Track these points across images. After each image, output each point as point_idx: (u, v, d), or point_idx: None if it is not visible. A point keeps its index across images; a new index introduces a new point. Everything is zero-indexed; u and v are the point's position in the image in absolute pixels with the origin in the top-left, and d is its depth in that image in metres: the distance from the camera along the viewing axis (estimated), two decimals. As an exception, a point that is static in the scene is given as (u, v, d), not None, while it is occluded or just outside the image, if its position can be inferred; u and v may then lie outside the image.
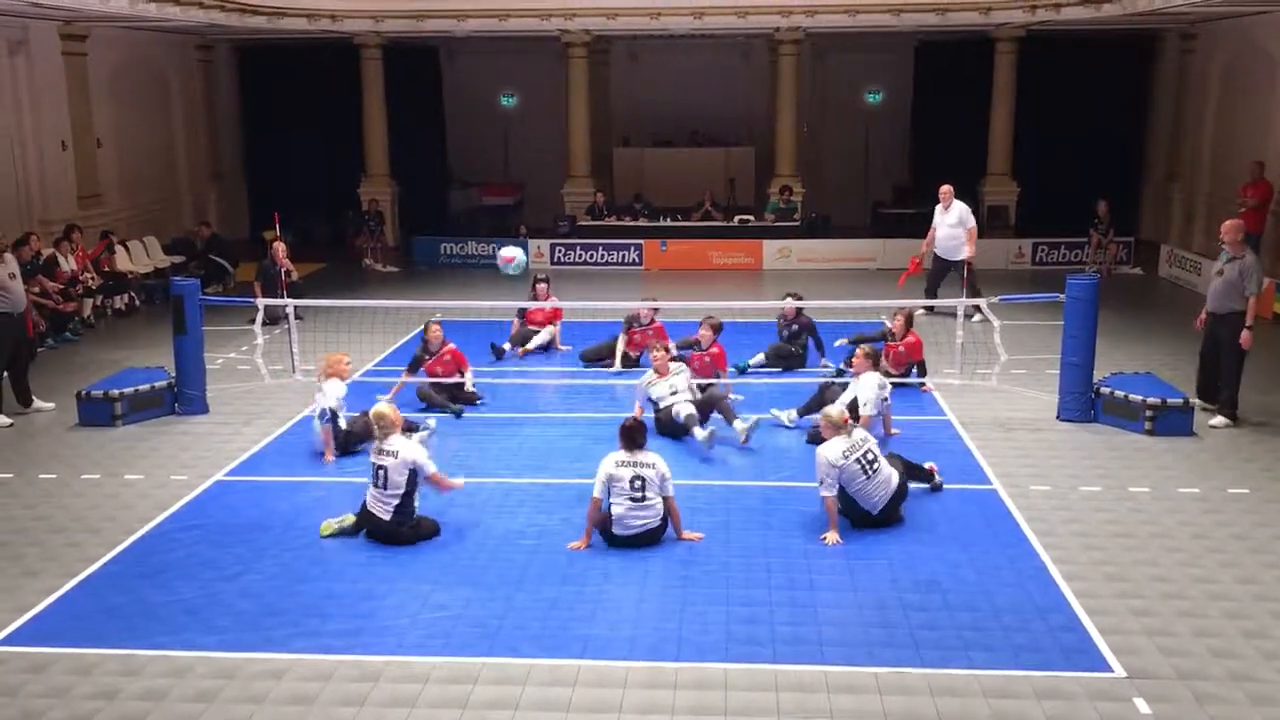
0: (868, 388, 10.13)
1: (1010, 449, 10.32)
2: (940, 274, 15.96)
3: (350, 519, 8.39)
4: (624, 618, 7.06)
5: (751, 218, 21.83)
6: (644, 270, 20.81)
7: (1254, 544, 8.12)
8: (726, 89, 25.48)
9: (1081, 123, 23.13)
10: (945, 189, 16.00)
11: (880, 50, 24.43)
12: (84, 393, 11.32)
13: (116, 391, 11.25)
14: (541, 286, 14.44)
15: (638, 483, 7.97)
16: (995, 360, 12.16)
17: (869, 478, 8.27)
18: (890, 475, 8.44)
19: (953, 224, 15.73)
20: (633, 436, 8.16)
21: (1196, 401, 10.92)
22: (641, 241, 21.09)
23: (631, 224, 21.71)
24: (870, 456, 8.34)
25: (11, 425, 11.27)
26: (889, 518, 8.42)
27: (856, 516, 8.39)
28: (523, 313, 14.41)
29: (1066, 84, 23.01)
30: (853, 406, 9.87)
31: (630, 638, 6.80)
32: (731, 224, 21.54)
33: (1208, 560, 7.86)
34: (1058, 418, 11.11)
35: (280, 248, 16.49)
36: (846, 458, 8.22)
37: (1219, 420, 10.82)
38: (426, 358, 11.75)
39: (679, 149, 24.64)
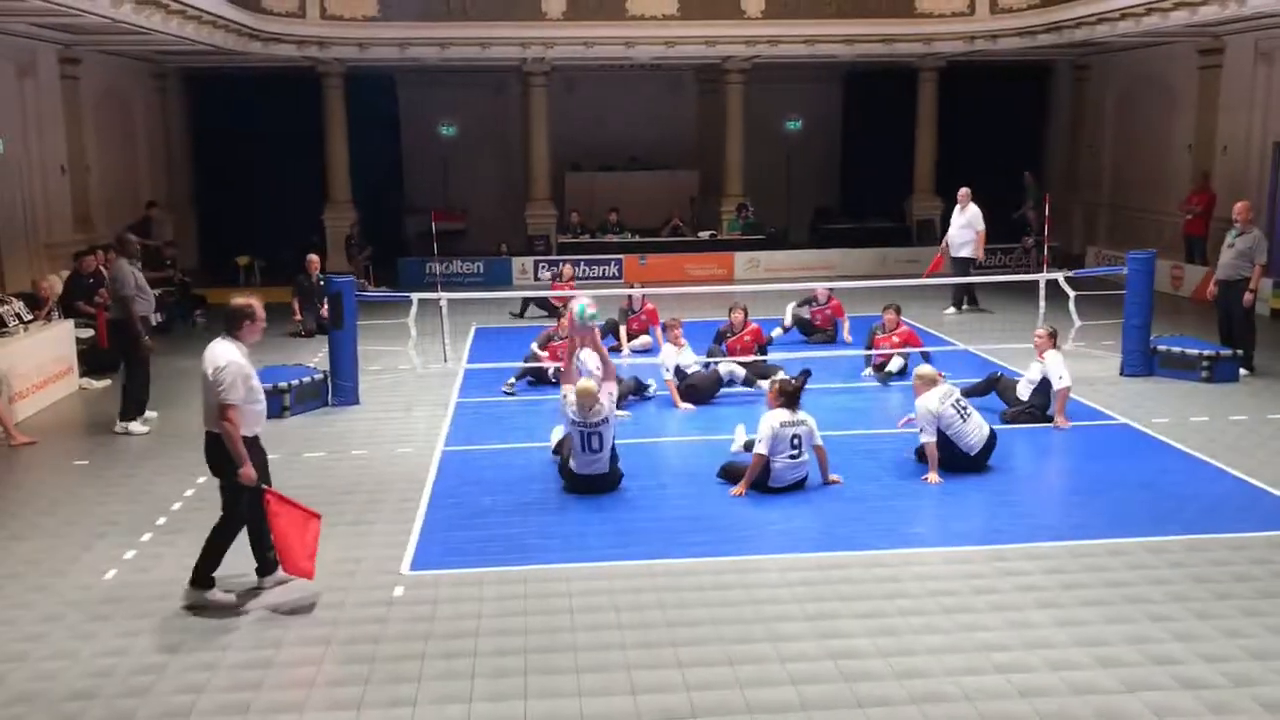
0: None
1: (1105, 396, 12.02)
2: (959, 273, 17.67)
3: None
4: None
5: (716, 233, 23.28)
6: (625, 283, 21.89)
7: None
8: (657, 118, 26.90)
9: (991, 142, 25.63)
10: (963, 191, 17.93)
11: (806, 81, 26.45)
12: (252, 386, 11.69)
13: (285, 384, 11.70)
14: (637, 294, 15.53)
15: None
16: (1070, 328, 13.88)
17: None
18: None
19: (963, 225, 17.58)
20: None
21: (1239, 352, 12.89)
22: (621, 257, 22.27)
23: (609, 240, 22.83)
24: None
25: (149, 432, 11.40)
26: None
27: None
28: (624, 317, 15.38)
29: (978, 108, 25.47)
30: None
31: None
32: (703, 238, 22.93)
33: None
34: (1121, 373, 12.93)
35: (315, 260, 16.99)
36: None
37: (1242, 371, 12.83)
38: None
39: (629, 173, 25.85)
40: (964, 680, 5.89)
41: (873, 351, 13.32)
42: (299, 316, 16.65)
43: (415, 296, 12.98)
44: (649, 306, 15.48)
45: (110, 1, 13.26)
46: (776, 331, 15.02)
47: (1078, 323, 13.94)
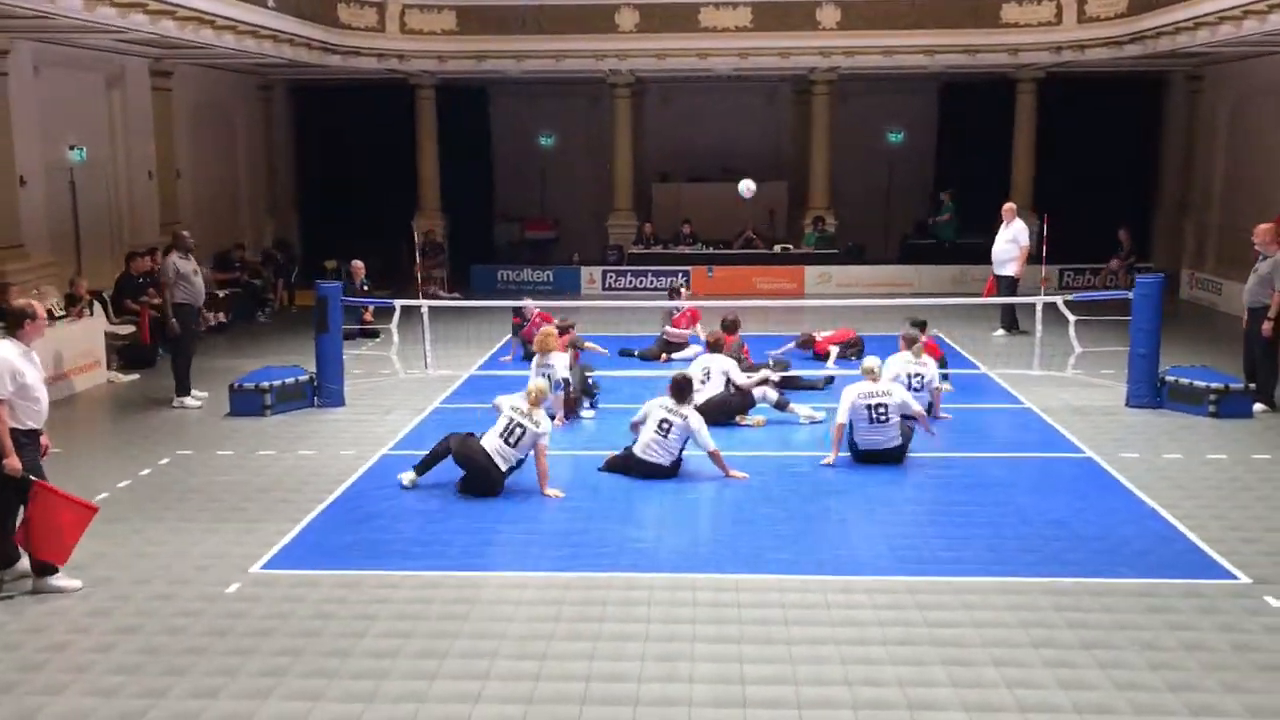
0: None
1: (1091, 428, 11.43)
2: (1006, 293, 16.97)
3: (411, 476, 9.57)
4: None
5: (791, 247, 23.03)
6: (691, 294, 21.87)
7: (1331, 493, 9.23)
8: (752, 129, 26.81)
9: (1097, 158, 24.56)
10: (1007, 207, 17.32)
11: (904, 92, 25.89)
12: (236, 385, 12.32)
13: (267, 384, 12.24)
14: (683, 291, 15.82)
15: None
16: (1070, 354, 13.33)
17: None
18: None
19: (1008, 240, 16.91)
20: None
21: (1252, 386, 12.03)
22: (689, 268, 22.26)
23: (678, 252, 22.85)
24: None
25: (201, 406, 12.60)
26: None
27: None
28: (668, 316, 15.70)
29: (1082, 122, 24.45)
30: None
31: (837, 556, 7.86)
32: (774, 251, 22.71)
33: (1293, 504, 8.99)
34: (1126, 404, 12.24)
35: (359, 266, 17.64)
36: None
37: (1259, 407, 11.95)
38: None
39: (715, 184, 25.77)
40: (704, 712, 5.76)
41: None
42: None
43: (398, 303, 13.38)
44: (692, 310, 15.88)
45: (149, 19, 14.02)
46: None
47: (1077, 349, 13.30)
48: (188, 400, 12.68)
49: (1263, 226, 12.22)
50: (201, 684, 6.08)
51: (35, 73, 16.41)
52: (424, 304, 13.50)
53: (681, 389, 9.79)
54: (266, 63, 20.53)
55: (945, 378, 13.25)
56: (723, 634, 6.66)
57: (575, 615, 6.94)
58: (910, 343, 11.59)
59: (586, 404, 12.24)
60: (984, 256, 22.59)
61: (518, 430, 9.28)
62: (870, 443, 10.06)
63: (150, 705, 5.85)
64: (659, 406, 9.74)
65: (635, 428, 10.01)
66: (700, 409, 11.50)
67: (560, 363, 11.96)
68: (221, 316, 18.25)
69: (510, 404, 9.46)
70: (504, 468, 9.31)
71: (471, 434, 9.60)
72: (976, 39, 21.34)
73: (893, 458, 10.10)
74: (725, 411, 11.61)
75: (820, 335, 15.39)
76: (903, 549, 8.08)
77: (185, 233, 13.60)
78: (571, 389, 11.94)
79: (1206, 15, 16.43)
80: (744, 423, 11.68)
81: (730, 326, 13.25)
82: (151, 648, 6.53)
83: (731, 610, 7.00)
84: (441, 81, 23.86)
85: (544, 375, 11.68)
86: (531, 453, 9.33)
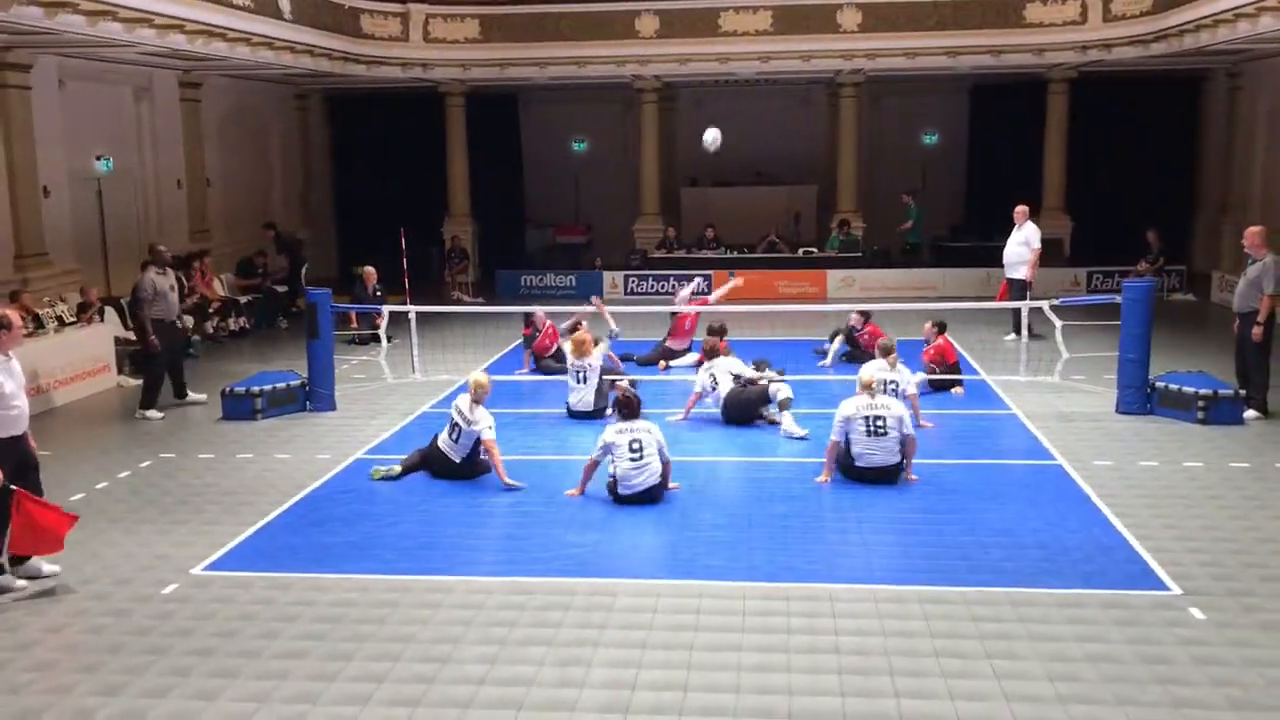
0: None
1: (1073, 435, 11.25)
2: (1017, 296, 16.68)
3: (396, 469, 10.12)
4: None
5: (816, 250, 22.90)
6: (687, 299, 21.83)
7: (1299, 503, 9.00)
8: (786, 132, 26.75)
9: (1132, 159, 24.14)
10: (1020, 209, 16.98)
11: (935, 94, 25.66)
12: (228, 389, 12.60)
13: (257, 388, 12.51)
14: (685, 290, 15.93)
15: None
16: (1058, 359, 13.14)
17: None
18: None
19: (1019, 242, 16.66)
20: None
21: (1244, 392, 11.76)
22: (710, 272, 22.17)
23: (700, 255, 22.84)
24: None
25: (163, 418, 12.62)
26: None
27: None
28: (673, 315, 15.62)
29: (1117, 122, 24.04)
30: None
31: (750, 565, 7.85)
32: (796, 255, 22.60)
33: (1256, 514, 8.77)
34: (1116, 411, 12.02)
35: (371, 272, 17.94)
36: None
37: (1249, 413, 11.66)
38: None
39: (744, 188, 25.79)
40: (585, 717, 5.81)
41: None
42: (355, 325, 17.57)
43: (386, 309, 13.59)
44: (691, 313, 15.72)
45: (156, 33, 14.39)
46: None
47: (1064, 355, 13.07)
48: (150, 413, 12.76)
49: (1252, 229, 11.95)
50: (107, 681, 6.27)
51: (60, 86, 16.93)
52: (411, 309, 13.68)
53: (630, 406, 9.59)
54: (293, 73, 20.95)
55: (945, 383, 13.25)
56: (629, 639, 6.69)
57: (490, 620, 7.02)
58: (886, 352, 11.46)
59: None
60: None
61: (455, 430, 9.97)
62: (869, 459, 9.60)
63: (51, 703, 6.05)
64: (615, 433, 9.35)
65: (595, 466, 9.53)
66: (724, 406, 11.78)
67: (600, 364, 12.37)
68: (244, 322, 18.65)
69: (456, 402, 10.11)
70: (456, 459, 9.95)
71: (436, 436, 10.22)
72: (1001, 39, 21.09)
73: (891, 476, 9.67)
74: (745, 405, 11.79)
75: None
76: (838, 556, 8.05)
77: (162, 247, 13.78)
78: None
79: (1224, 12, 16.10)
80: (768, 415, 11.79)
81: (717, 331, 13.24)
82: (70, 645, 6.74)
83: (646, 616, 7.03)
84: (471, 89, 24.12)
85: (580, 377, 12.15)
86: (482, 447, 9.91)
